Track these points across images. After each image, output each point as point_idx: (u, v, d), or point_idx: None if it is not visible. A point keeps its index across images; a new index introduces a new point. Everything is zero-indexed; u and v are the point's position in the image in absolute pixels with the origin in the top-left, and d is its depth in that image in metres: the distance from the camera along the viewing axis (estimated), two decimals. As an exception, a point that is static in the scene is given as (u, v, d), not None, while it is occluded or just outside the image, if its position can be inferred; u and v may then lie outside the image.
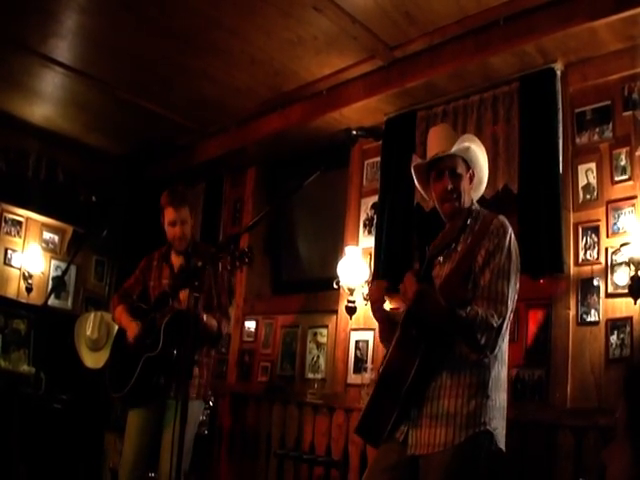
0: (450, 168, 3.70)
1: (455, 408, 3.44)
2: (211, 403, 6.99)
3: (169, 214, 5.31)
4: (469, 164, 3.78)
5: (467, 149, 3.74)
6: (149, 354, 5.02)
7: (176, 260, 5.42)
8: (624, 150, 4.92)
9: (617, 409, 1.91)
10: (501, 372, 3.61)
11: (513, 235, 3.64)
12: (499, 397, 3.58)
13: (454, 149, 3.70)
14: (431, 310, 3.44)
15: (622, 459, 1.83)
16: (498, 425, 3.53)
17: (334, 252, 6.85)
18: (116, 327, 5.72)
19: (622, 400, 1.90)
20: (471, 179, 3.80)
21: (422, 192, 4.02)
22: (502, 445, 3.58)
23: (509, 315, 3.49)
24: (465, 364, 3.48)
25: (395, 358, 3.55)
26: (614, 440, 1.90)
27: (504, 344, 3.59)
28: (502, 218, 3.69)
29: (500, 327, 3.41)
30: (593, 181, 5.03)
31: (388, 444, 3.60)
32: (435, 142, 3.82)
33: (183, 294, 4.72)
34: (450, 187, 3.68)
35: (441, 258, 3.75)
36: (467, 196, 3.76)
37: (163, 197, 5.36)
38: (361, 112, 6.41)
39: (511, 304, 3.50)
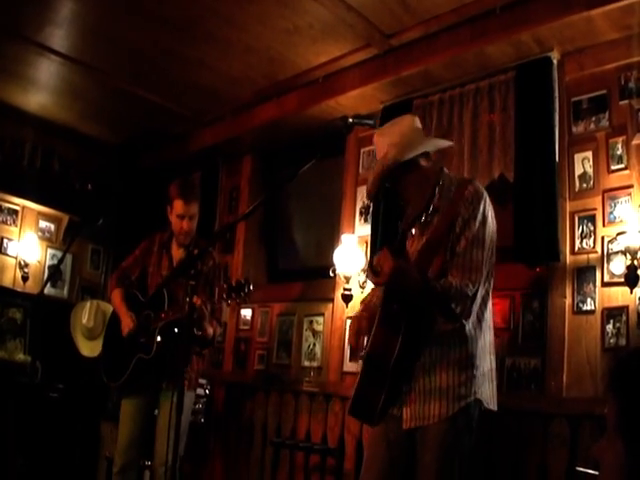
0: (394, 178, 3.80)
1: (447, 382, 3.57)
2: (207, 392, 7.01)
3: (178, 207, 5.29)
4: (416, 156, 3.77)
5: (403, 155, 3.71)
6: (142, 355, 5.04)
7: (177, 253, 5.43)
8: (620, 139, 4.91)
9: (606, 403, 1.90)
10: (487, 340, 3.73)
11: (488, 200, 3.71)
12: (486, 364, 3.71)
13: (387, 166, 3.74)
14: (407, 285, 3.51)
15: (615, 457, 1.83)
16: (486, 389, 3.68)
17: (330, 240, 6.85)
18: (109, 318, 5.73)
19: (611, 394, 1.89)
20: (427, 159, 3.82)
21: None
22: (493, 406, 3.76)
23: (483, 281, 3.60)
24: (452, 338, 3.60)
25: (379, 336, 3.59)
26: (605, 435, 1.89)
27: (488, 312, 3.72)
28: (476, 184, 3.77)
29: (475, 295, 3.55)
30: (589, 170, 5.03)
31: (384, 421, 3.69)
32: (378, 150, 3.89)
33: (197, 299, 4.66)
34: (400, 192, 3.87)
35: (414, 230, 3.88)
36: (430, 171, 3.82)
37: (174, 188, 5.33)
38: (357, 100, 6.39)
39: (486, 270, 3.60)
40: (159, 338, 5.02)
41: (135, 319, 5.18)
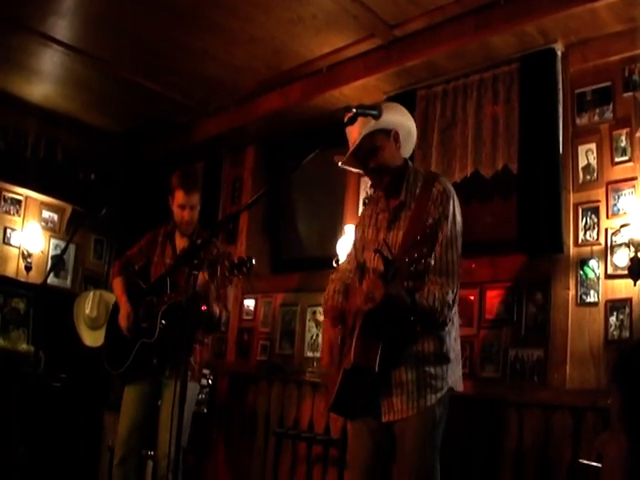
0: (367, 149, 3.88)
1: (424, 376, 3.70)
2: (210, 382, 7.02)
3: (179, 197, 5.33)
4: (387, 128, 3.91)
5: (378, 120, 3.79)
6: (145, 340, 5.05)
7: (180, 242, 5.46)
8: (624, 131, 4.90)
9: (610, 395, 1.90)
10: (456, 327, 3.93)
11: (456, 197, 3.86)
12: (456, 349, 3.91)
13: (363, 132, 3.83)
14: (398, 310, 3.58)
15: (619, 450, 1.83)
16: (454, 373, 3.84)
17: (333, 231, 6.85)
18: (112, 307, 5.74)
19: (614, 387, 1.89)
20: (396, 139, 3.96)
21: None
22: (459, 387, 3.93)
23: (458, 280, 3.77)
24: (429, 334, 3.74)
25: (360, 345, 3.63)
26: (609, 428, 1.90)
27: (455, 305, 3.82)
28: (443, 181, 3.93)
29: (454, 300, 3.70)
30: (593, 162, 5.02)
31: (364, 415, 3.84)
32: (351, 135, 3.96)
33: (202, 275, 4.71)
34: (372, 166, 3.91)
35: (378, 219, 4.05)
36: (394, 158, 3.95)
37: (175, 178, 5.37)
38: (361, 91, 6.37)
39: (458, 268, 3.77)
40: (162, 322, 5.03)
41: (132, 312, 5.21)
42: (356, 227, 4.37)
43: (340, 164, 3.99)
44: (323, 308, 4.31)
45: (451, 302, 3.67)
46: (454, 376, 3.83)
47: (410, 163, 4.08)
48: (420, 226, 3.54)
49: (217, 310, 5.12)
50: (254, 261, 4.46)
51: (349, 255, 4.36)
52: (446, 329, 3.77)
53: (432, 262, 3.44)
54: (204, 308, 4.91)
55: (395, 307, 3.54)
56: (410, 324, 3.66)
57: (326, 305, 4.22)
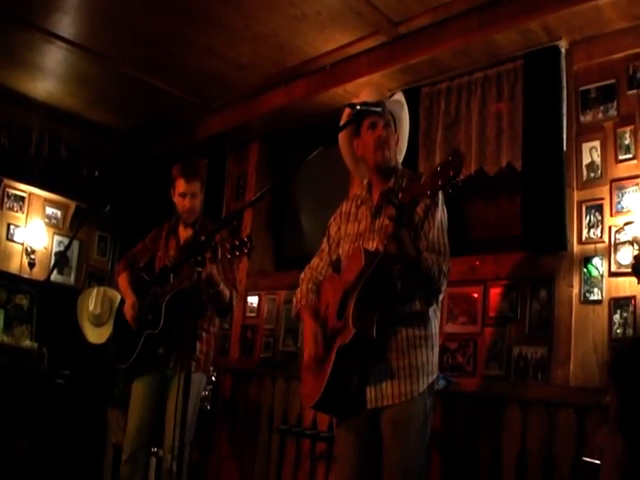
0: (385, 121, 3.91)
1: (416, 361, 3.72)
2: (213, 378, 7.02)
3: (180, 185, 5.35)
4: (396, 127, 4.03)
5: (401, 106, 4.00)
6: (150, 331, 5.06)
7: (183, 232, 5.48)
8: (628, 129, 4.91)
9: (609, 393, 1.90)
10: (438, 319, 3.98)
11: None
12: (437, 339, 3.92)
13: (390, 102, 3.99)
14: (404, 252, 3.52)
15: (615, 451, 1.83)
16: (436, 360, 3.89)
17: (337, 228, 6.83)
18: (119, 301, 5.75)
19: (612, 386, 1.89)
20: (396, 142, 4.04)
21: (343, 142, 4.22)
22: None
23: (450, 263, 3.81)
24: (416, 319, 3.77)
25: (356, 316, 3.59)
26: (607, 424, 1.90)
27: (445, 284, 3.83)
28: None
29: (446, 274, 3.74)
30: (597, 159, 5.02)
31: (351, 413, 3.81)
32: (369, 95, 4.03)
33: (210, 267, 4.73)
34: (384, 136, 3.90)
35: (358, 212, 4.12)
36: (394, 153, 4.00)
37: (175, 168, 5.41)
38: (365, 88, 6.36)
39: (449, 252, 3.83)
40: (166, 311, 5.04)
41: (137, 306, 5.21)
42: (330, 224, 4.37)
43: (358, 105, 3.88)
44: (297, 307, 4.22)
45: (445, 272, 3.71)
46: (436, 363, 3.87)
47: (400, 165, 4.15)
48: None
49: (227, 292, 5.12)
50: (253, 243, 4.45)
51: (321, 251, 4.33)
52: (432, 315, 3.83)
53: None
54: (212, 292, 4.93)
55: (403, 248, 3.50)
56: (407, 283, 3.68)
57: (300, 304, 4.18)
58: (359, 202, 4.14)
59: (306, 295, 4.18)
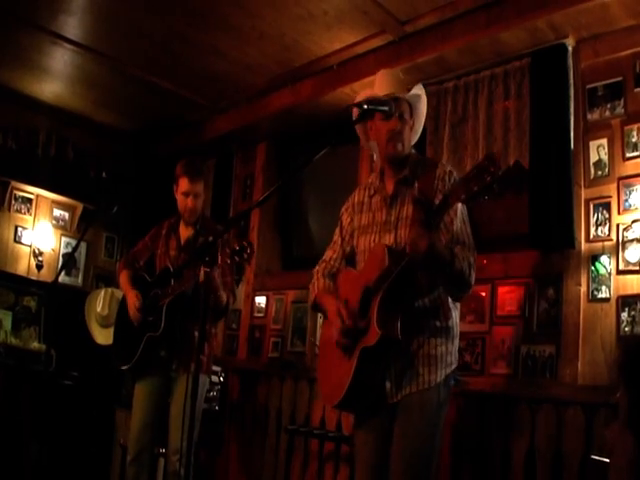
0: (400, 112, 3.82)
1: (436, 351, 3.67)
2: (221, 379, 7.03)
3: (183, 185, 5.35)
4: (412, 113, 3.93)
5: (418, 97, 3.90)
6: (151, 334, 5.07)
7: (184, 232, 5.48)
8: (636, 126, 4.90)
9: (619, 390, 1.89)
10: (458, 312, 3.89)
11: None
12: (458, 329, 3.86)
13: (408, 95, 3.88)
14: (437, 261, 3.46)
15: (625, 450, 1.82)
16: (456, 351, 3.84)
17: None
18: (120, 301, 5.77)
19: (622, 385, 1.88)
20: (411, 128, 3.95)
21: (359, 132, 4.13)
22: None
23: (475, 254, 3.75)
24: (436, 310, 3.71)
25: (381, 318, 3.53)
26: (616, 421, 1.89)
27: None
28: (444, 164, 4.00)
29: (474, 267, 3.66)
30: (604, 157, 5.01)
31: (371, 414, 3.77)
32: (385, 84, 3.97)
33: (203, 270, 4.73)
34: (397, 129, 3.81)
35: (373, 202, 4.00)
36: (407, 143, 3.90)
37: (179, 167, 5.40)
38: (371, 87, 6.36)
39: (474, 243, 3.77)
40: (167, 313, 5.05)
41: (141, 297, 5.22)
42: (342, 214, 4.27)
43: (369, 98, 3.82)
44: (313, 293, 4.11)
45: (473, 264, 3.63)
46: (457, 355, 3.81)
47: (413, 150, 4.02)
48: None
49: (224, 296, 5.12)
50: (254, 248, 4.44)
51: (334, 243, 4.23)
52: (452, 306, 3.77)
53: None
54: (211, 297, 4.92)
55: (435, 260, 3.42)
56: (434, 284, 3.66)
57: (317, 290, 4.10)
58: (372, 191, 4.03)
59: (323, 283, 4.10)
